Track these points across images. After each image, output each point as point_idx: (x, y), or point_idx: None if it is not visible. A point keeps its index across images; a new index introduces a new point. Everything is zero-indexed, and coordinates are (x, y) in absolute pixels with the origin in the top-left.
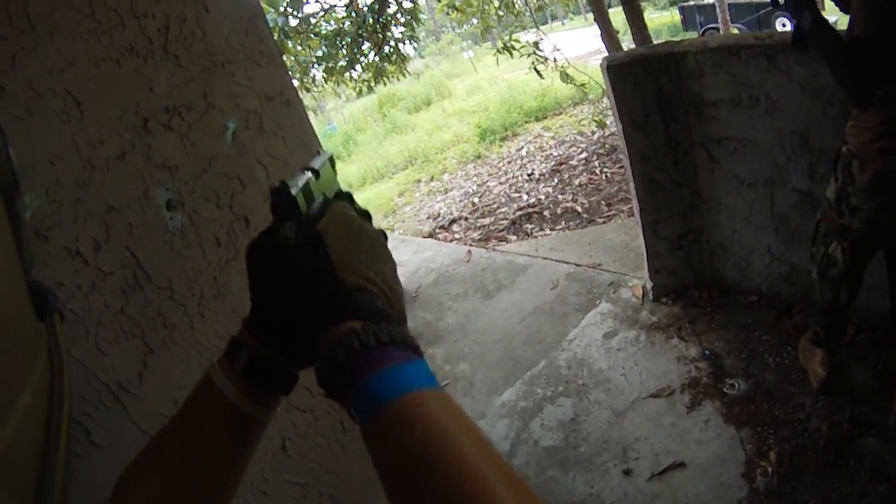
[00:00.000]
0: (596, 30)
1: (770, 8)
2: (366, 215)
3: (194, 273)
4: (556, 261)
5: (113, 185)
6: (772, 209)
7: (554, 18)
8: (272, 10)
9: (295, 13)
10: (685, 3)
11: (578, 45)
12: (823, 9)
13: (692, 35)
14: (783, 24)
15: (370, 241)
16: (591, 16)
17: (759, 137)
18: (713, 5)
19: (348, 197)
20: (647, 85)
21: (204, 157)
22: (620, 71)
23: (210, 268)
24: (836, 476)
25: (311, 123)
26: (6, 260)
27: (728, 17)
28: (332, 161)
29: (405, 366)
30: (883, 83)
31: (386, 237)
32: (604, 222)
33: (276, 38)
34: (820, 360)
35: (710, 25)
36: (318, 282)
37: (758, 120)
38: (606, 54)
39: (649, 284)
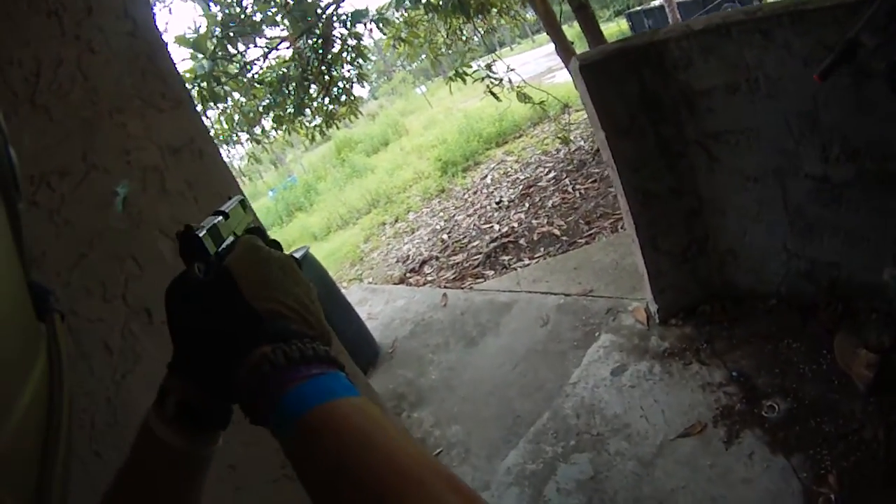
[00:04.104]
0: (544, 50)
1: (717, 2)
2: (275, 244)
3: (79, 396)
4: (542, 293)
5: None
6: (784, 202)
7: (502, 45)
8: (200, 55)
9: (231, 59)
10: (632, 10)
11: (528, 67)
12: None
13: None
14: None
15: (279, 266)
16: (538, 37)
17: (763, 125)
18: (660, 8)
19: (258, 231)
20: (627, 83)
21: (83, 237)
22: (596, 70)
23: (101, 386)
24: None
25: (231, 175)
26: (6, 260)
27: (678, 17)
28: (243, 204)
29: (319, 379)
30: None
31: (300, 264)
32: (586, 243)
33: (206, 86)
34: (866, 363)
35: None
36: (231, 314)
37: (759, 105)
38: (560, 71)
39: (654, 306)
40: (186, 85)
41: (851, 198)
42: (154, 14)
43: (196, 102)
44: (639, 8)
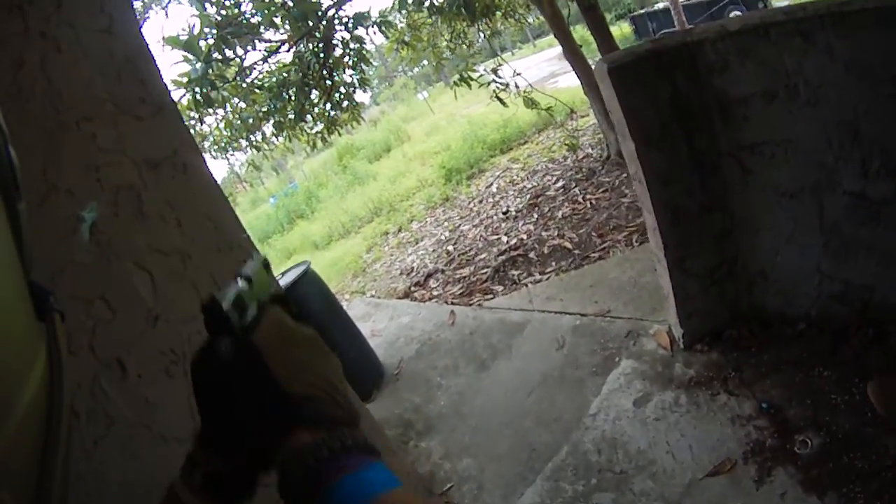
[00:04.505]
0: (546, 55)
1: (722, 3)
2: (300, 317)
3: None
4: (556, 312)
5: None
6: (820, 220)
7: (503, 49)
8: (193, 58)
9: (228, 62)
10: (635, 13)
11: (531, 72)
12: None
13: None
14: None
15: (307, 346)
16: (539, 42)
17: (801, 136)
18: (665, 10)
19: (282, 299)
20: (659, 88)
21: (41, 273)
22: (625, 74)
23: None
24: None
25: (221, 192)
26: (6, 260)
27: (684, 20)
28: (265, 264)
29: (361, 473)
30: None
31: (321, 340)
32: (600, 257)
33: (200, 90)
34: None
35: (664, 31)
36: (261, 395)
37: (798, 114)
38: (563, 75)
39: (678, 331)
40: (174, 89)
41: (890, 216)
42: (134, 10)
43: (190, 108)
44: (642, 11)
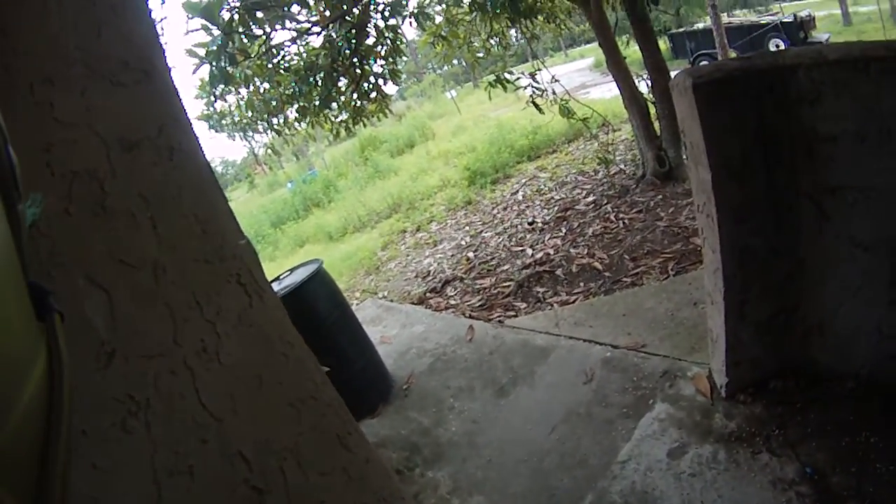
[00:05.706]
0: (576, 66)
1: (763, 29)
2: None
3: None
4: (586, 341)
5: None
6: (891, 277)
7: (535, 56)
8: (213, 27)
9: (252, 38)
10: (674, 31)
11: (562, 81)
12: (814, 27)
13: (683, 64)
14: (776, 46)
15: None
16: (571, 52)
17: (886, 185)
18: (705, 30)
19: None
20: (746, 112)
21: None
22: (712, 92)
23: None
24: None
25: (217, 187)
26: (6, 260)
27: (726, 42)
28: None
29: None
30: None
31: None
32: (632, 283)
33: (221, 65)
34: None
35: (702, 51)
36: None
37: (886, 161)
38: (594, 87)
39: (721, 378)
40: (188, 59)
41: None
42: None
43: (211, 83)
44: (681, 29)
